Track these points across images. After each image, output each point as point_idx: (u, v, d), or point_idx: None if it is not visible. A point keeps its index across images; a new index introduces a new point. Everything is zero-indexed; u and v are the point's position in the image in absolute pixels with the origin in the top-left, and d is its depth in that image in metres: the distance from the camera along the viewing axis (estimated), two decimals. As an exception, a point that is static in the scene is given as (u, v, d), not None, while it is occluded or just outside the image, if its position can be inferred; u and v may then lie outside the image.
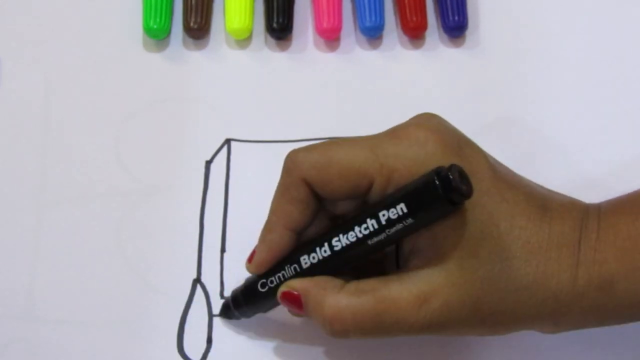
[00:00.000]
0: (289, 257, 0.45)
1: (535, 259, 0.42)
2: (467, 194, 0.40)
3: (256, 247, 0.46)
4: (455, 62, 0.59)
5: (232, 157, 0.55)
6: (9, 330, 0.50)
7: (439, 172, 0.39)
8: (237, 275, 0.51)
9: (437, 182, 0.39)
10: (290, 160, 0.44)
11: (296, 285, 0.44)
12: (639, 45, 0.59)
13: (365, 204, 0.44)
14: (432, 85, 0.58)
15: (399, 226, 0.41)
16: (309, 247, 0.44)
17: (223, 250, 0.52)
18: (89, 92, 0.57)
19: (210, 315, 0.50)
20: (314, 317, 0.43)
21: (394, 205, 0.41)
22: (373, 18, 0.58)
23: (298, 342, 0.49)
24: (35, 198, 0.53)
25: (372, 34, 0.59)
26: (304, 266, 0.44)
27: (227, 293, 0.51)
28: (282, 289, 0.45)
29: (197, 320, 0.50)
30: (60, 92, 0.57)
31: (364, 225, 0.42)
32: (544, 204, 0.43)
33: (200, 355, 0.49)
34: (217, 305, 0.50)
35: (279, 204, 0.45)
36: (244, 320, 0.49)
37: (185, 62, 0.58)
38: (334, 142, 0.44)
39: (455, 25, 0.58)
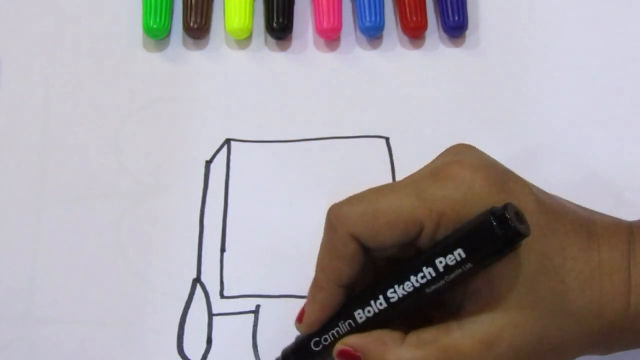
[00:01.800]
0: (342, 312, 0.43)
1: (590, 290, 0.41)
2: (525, 232, 0.39)
3: (305, 306, 0.45)
4: (455, 62, 0.59)
5: (232, 157, 0.55)
6: (9, 330, 0.50)
7: (494, 213, 0.39)
8: (237, 275, 0.51)
9: (495, 224, 0.38)
10: (335, 216, 0.43)
11: (354, 342, 0.43)
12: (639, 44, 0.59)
13: (412, 247, 0.42)
14: (432, 85, 0.58)
15: (458, 272, 0.40)
16: (363, 300, 0.42)
17: (223, 249, 0.52)
18: (89, 92, 0.57)
19: (210, 315, 0.50)
20: None
21: (450, 251, 0.39)
22: (373, 18, 0.58)
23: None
24: (35, 197, 0.53)
25: (372, 34, 0.59)
26: (359, 321, 0.42)
27: (227, 292, 0.51)
28: (339, 346, 0.43)
29: (197, 320, 0.50)
30: (60, 92, 0.57)
31: (421, 274, 0.40)
32: (589, 230, 0.42)
33: (200, 356, 0.49)
34: (216, 305, 0.50)
35: (327, 262, 0.43)
36: (240, 318, 0.49)
37: (185, 62, 0.58)
38: (376, 191, 0.43)
39: (455, 25, 0.58)
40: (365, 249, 0.43)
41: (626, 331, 0.42)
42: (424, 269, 0.40)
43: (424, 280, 0.40)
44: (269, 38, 0.59)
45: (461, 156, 0.43)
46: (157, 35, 0.58)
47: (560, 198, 0.44)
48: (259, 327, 0.50)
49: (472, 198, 0.41)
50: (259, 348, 0.49)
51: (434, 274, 0.40)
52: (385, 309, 0.42)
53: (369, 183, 0.54)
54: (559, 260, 0.41)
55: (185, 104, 0.57)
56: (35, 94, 0.57)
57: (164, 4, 0.58)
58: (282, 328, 0.49)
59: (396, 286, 0.41)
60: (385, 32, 0.59)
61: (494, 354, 0.41)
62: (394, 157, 0.55)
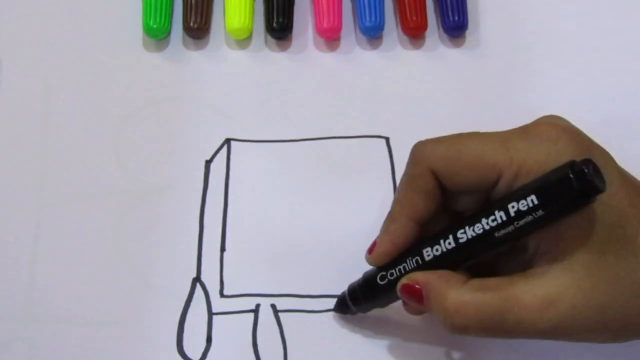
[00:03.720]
0: (411, 250, 0.44)
1: None
2: (601, 188, 0.39)
3: (377, 237, 0.46)
4: (455, 62, 0.59)
5: (232, 156, 0.55)
6: (9, 330, 0.50)
7: (573, 165, 0.39)
8: (237, 275, 0.51)
9: (572, 175, 0.39)
10: (418, 151, 0.44)
11: (418, 277, 0.43)
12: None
13: (487, 200, 0.43)
14: (432, 85, 0.58)
15: (528, 218, 0.40)
16: (433, 239, 0.43)
17: (223, 249, 0.52)
18: (89, 92, 0.57)
19: (210, 314, 0.50)
20: (435, 310, 0.43)
21: (524, 197, 0.40)
22: (373, 18, 0.58)
23: (299, 341, 0.49)
24: (35, 198, 0.53)
25: (372, 34, 0.59)
26: (426, 259, 0.43)
27: (227, 292, 0.51)
28: (403, 281, 0.44)
29: (197, 320, 0.50)
30: (60, 92, 0.57)
31: (492, 217, 0.41)
32: None
33: (199, 355, 0.49)
34: (216, 304, 0.50)
35: (404, 194, 0.45)
36: (240, 317, 0.50)
37: (185, 62, 0.58)
38: (462, 134, 0.44)
39: (455, 25, 0.59)
40: (442, 191, 0.44)
41: None
42: (496, 212, 0.41)
43: (494, 224, 0.41)
44: (269, 38, 0.59)
45: (552, 120, 0.44)
46: (157, 35, 0.58)
47: None
48: (259, 326, 0.50)
49: (555, 154, 0.41)
50: (259, 347, 0.49)
51: (504, 218, 0.41)
52: (453, 249, 0.42)
53: (369, 183, 0.54)
54: (632, 232, 0.41)
55: (185, 104, 0.57)
56: (35, 94, 0.57)
57: (164, 4, 0.58)
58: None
59: (467, 227, 0.42)
60: (385, 32, 0.59)
61: (554, 312, 0.41)
62: (394, 157, 0.55)
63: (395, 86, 0.58)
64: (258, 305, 0.50)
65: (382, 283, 0.45)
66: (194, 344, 0.49)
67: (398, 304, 0.47)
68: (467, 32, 0.59)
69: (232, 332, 0.50)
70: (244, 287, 0.51)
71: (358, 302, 0.47)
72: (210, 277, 0.51)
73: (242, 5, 0.58)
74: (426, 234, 0.45)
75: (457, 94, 0.58)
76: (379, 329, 0.50)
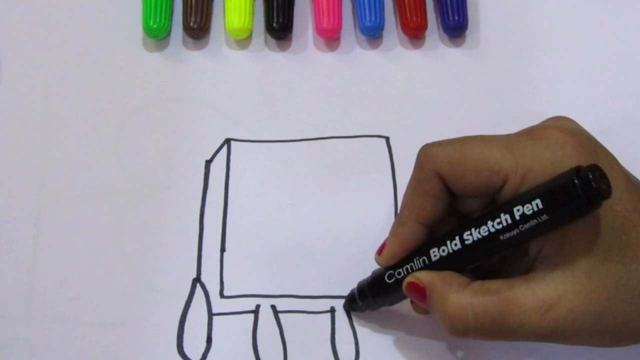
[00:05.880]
0: (419, 250, 0.45)
1: None
2: (606, 194, 0.39)
3: (387, 239, 0.46)
4: (455, 62, 0.59)
5: (232, 156, 0.55)
6: (9, 330, 0.50)
7: (578, 171, 0.39)
8: (237, 275, 0.51)
9: (577, 181, 0.39)
10: (424, 154, 0.44)
11: (423, 277, 0.44)
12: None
13: (494, 203, 0.43)
14: (432, 85, 0.58)
15: (533, 222, 0.40)
16: (440, 240, 0.44)
17: (223, 249, 0.52)
18: (89, 92, 0.57)
19: (210, 315, 0.50)
20: (436, 311, 0.43)
21: (529, 201, 0.40)
22: (373, 18, 0.58)
23: (299, 342, 0.50)
24: (35, 198, 0.53)
25: (372, 34, 0.59)
26: (433, 259, 0.44)
27: (227, 292, 0.51)
28: (409, 279, 0.45)
29: (197, 320, 0.50)
30: (60, 92, 0.57)
31: (497, 220, 0.41)
32: None
33: (200, 355, 0.49)
34: (216, 304, 0.50)
35: (412, 198, 0.45)
36: (240, 318, 0.50)
37: (185, 62, 0.58)
38: (468, 138, 0.44)
39: (455, 25, 0.59)
40: (450, 194, 0.44)
41: None
42: (502, 215, 0.41)
43: (500, 226, 0.41)
44: (269, 38, 0.59)
45: (558, 123, 0.44)
46: (157, 35, 0.58)
47: None
48: (259, 327, 0.50)
49: (561, 159, 0.41)
50: (259, 348, 0.49)
51: (510, 221, 0.41)
52: (459, 250, 0.43)
53: (369, 183, 0.54)
54: (636, 237, 0.41)
55: (185, 104, 0.57)
56: (35, 94, 0.57)
57: (164, 4, 0.58)
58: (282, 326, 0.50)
59: (473, 229, 0.42)
60: (385, 32, 0.59)
61: (553, 315, 0.41)
62: (394, 157, 0.55)
63: (395, 86, 0.58)
64: (258, 306, 0.50)
65: (389, 281, 0.46)
66: (194, 344, 0.49)
67: (405, 302, 0.47)
68: (467, 32, 0.59)
69: (232, 333, 0.50)
70: (244, 288, 0.51)
71: (366, 299, 0.48)
72: (210, 278, 0.51)
73: (242, 5, 0.58)
74: (434, 235, 0.45)
75: (457, 93, 0.58)
76: (379, 328, 0.50)
